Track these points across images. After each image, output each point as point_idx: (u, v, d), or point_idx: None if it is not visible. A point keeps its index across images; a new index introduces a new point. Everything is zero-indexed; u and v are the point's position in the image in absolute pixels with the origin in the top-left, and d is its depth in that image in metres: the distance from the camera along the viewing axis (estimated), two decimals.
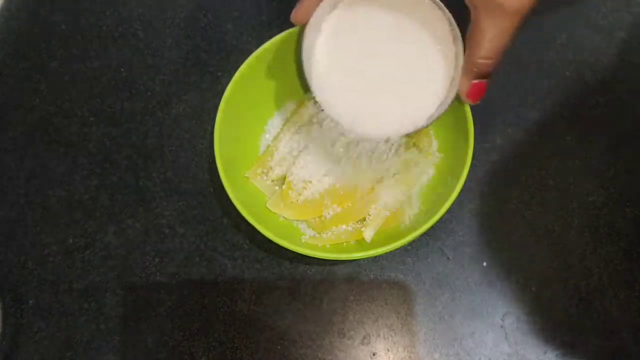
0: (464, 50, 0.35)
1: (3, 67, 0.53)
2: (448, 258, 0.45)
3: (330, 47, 0.38)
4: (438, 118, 0.37)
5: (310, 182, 0.44)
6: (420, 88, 0.37)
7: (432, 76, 0.37)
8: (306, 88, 0.38)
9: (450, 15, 0.35)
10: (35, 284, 0.46)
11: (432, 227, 0.40)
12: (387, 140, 0.39)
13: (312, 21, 0.37)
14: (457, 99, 0.37)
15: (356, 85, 0.38)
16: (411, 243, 0.44)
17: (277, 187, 0.46)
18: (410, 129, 0.37)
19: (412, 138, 0.46)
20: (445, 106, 0.36)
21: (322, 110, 0.38)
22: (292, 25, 0.41)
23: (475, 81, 0.35)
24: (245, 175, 0.46)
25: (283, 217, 0.45)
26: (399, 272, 0.45)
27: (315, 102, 0.38)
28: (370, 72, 0.38)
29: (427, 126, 0.37)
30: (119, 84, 0.52)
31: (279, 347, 0.43)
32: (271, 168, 0.46)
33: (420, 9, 0.36)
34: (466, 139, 0.40)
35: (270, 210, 0.45)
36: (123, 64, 0.53)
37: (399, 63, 0.37)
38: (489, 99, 0.49)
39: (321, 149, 0.45)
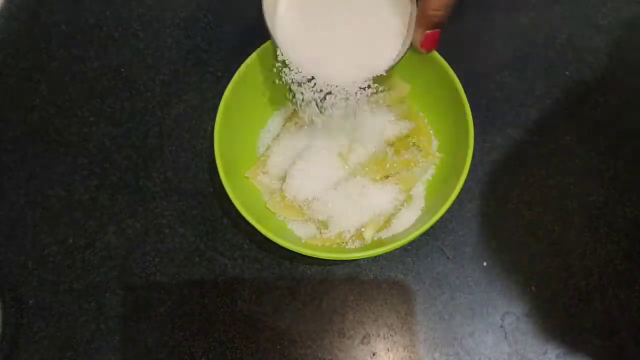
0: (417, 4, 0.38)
1: (3, 67, 0.53)
2: (448, 258, 0.45)
3: (293, 4, 0.40)
4: (395, 65, 0.39)
5: (309, 182, 0.44)
6: (378, 36, 0.40)
7: (388, 26, 0.40)
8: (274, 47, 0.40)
9: None
10: (35, 284, 0.46)
11: (432, 227, 0.40)
12: (355, 92, 0.40)
13: None
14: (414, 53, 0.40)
15: (319, 37, 0.40)
16: (411, 243, 0.44)
17: (277, 187, 0.46)
18: (369, 74, 0.39)
19: (412, 138, 0.46)
20: (402, 55, 0.39)
21: (287, 62, 0.39)
22: None
23: (428, 32, 0.38)
24: (245, 175, 0.46)
25: (283, 217, 0.45)
26: (399, 271, 0.45)
27: (279, 56, 0.40)
28: (332, 25, 0.40)
29: (385, 73, 0.39)
30: (119, 84, 0.52)
31: (278, 347, 0.43)
32: (271, 168, 0.46)
33: None
34: (466, 139, 0.41)
35: (270, 210, 0.45)
36: (123, 64, 0.53)
37: (357, 15, 0.40)
38: (489, 98, 0.49)
39: (321, 148, 0.45)
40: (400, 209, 0.44)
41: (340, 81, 0.39)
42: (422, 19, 0.38)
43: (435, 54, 0.42)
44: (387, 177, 0.45)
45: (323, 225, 0.44)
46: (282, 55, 0.39)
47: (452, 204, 0.39)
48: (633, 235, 0.45)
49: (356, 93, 0.39)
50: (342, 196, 0.44)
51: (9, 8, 0.55)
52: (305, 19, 0.40)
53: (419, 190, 0.45)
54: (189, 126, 0.50)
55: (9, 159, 0.50)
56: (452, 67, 0.42)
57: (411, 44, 0.39)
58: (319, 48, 0.40)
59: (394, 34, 0.40)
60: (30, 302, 0.45)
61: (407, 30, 0.39)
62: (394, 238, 0.43)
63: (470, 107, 0.41)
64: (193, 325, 0.44)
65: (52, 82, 0.52)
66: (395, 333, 0.43)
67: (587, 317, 0.43)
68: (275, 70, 0.41)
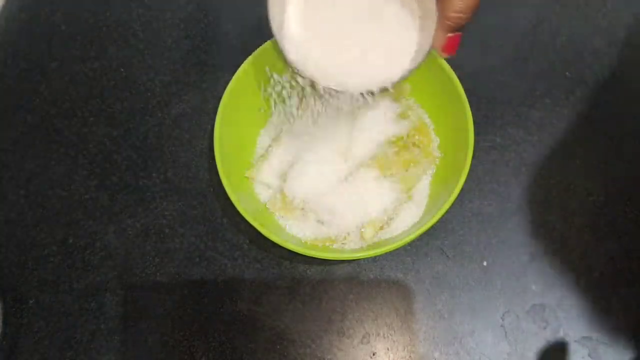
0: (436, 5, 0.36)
1: (3, 67, 0.53)
2: (448, 257, 0.45)
3: (301, 13, 0.38)
4: (411, 72, 0.37)
5: (309, 182, 0.44)
6: (392, 42, 0.38)
7: (402, 31, 0.38)
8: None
9: None
10: (35, 284, 0.46)
11: (432, 227, 0.40)
12: (366, 95, 0.39)
13: None
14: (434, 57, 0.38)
15: (331, 45, 0.39)
16: (411, 242, 0.44)
17: (277, 187, 0.46)
18: (387, 80, 0.37)
19: (412, 137, 0.46)
20: (418, 60, 0.37)
21: (298, 73, 0.38)
22: None
23: (450, 35, 0.36)
24: (246, 175, 0.46)
25: (283, 217, 0.45)
26: (399, 271, 0.45)
27: (291, 68, 0.38)
28: (343, 33, 0.39)
29: (402, 79, 0.38)
30: (119, 84, 0.52)
31: (278, 347, 0.43)
32: (271, 168, 0.46)
33: None
34: (466, 139, 0.41)
35: (270, 210, 0.45)
36: (123, 64, 0.53)
37: (369, 22, 0.38)
38: (489, 98, 0.49)
39: (321, 148, 0.45)
40: (400, 209, 0.44)
41: (353, 89, 0.37)
42: (443, 22, 0.36)
43: (435, 53, 0.42)
44: (387, 177, 0.45)
45: (323, 225, 0.44)
46: (289, 62, 0.37)
47: (452, 204, 0.39)
48: (633, 234, 0.45)
49: (363, 95, 0.38)
50: (342, 196, 0.44)
51: (9, 8, 0.55)
52: (314, 24, 0.39)
53: (419, 190, 0.45)
54: (189, 126, 0.50)
55: (9, 159, 0.50)
56: (452, 67, 0.42)
57: (429, 49, 0.37)
58: (330, 56, 0.38)
59: (410, 40, 0.38)
60: (30, 302, 0.45)
61: (422, 35, 0.37)
62: (394, 238, 0.43)
63: (470, 107, 0.41)
64: (193, 325, 0.44)
65: (52, 82, 0.52)
66: (395, 332, 0.43)
67: (587, 316, 0.43)
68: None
